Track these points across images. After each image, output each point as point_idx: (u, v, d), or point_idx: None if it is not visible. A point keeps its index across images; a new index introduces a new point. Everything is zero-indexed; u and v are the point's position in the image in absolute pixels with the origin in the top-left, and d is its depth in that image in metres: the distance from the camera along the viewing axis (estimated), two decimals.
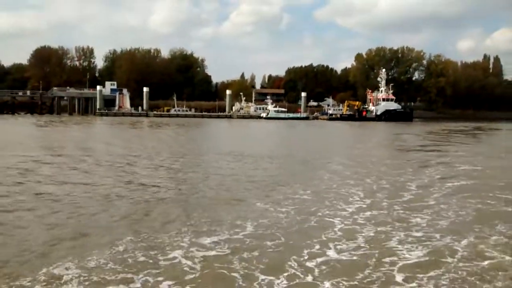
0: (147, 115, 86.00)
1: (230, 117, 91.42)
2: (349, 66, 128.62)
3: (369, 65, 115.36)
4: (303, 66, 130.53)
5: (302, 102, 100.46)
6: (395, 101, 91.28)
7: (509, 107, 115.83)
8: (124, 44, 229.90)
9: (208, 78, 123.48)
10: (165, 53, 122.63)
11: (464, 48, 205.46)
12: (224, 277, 6.35)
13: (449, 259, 7.10)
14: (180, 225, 8.85)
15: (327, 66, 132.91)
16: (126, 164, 18.04)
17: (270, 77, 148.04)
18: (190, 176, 15.43)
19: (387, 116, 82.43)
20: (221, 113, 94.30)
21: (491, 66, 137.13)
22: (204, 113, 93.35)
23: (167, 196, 11.69)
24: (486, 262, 6.98)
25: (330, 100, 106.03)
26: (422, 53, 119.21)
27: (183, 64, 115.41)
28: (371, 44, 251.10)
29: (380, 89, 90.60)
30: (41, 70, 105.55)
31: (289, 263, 6.80)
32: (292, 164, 19.21)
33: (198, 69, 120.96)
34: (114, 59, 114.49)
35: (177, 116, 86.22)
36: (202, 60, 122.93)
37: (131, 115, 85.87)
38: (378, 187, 13.46)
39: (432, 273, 6.51)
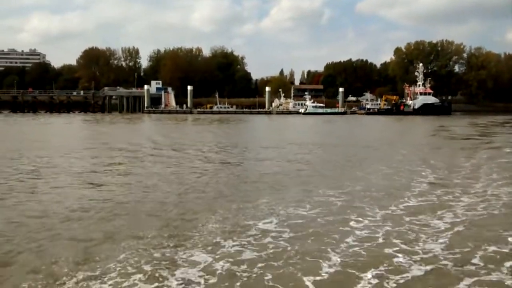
0: (191, 112, 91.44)
1: (270, 113, 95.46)
2: (389, 60, 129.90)
3: (408, 59, 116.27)
4: (342, 61, 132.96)
5: (340, 97, 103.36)
6: (435, 95, 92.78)
7: None
8: (166, 44, 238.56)
9: (248, 75, 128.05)
10: (206, 52, 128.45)
11: None
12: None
13: None
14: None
15: (366, 61, 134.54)
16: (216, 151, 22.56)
17: (309, 72, 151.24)
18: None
19: (425, 110, 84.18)
20: (261, 109, 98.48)
21: None
22: (244, 109, 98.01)
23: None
24: None
25: (368, 95, 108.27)
26: (462, 46, 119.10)
27: (223, 62, 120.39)
28: (415, 36, 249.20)
29: (418, 83, 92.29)
30: (90, 70, 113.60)
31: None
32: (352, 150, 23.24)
33: (238, 66, 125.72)
34: (158, 59, 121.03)
35: (219, 113, 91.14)
36: (242, 58, 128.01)
37: (177, 112, 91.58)
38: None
39: None
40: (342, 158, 20.57)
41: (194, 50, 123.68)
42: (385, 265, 6.88)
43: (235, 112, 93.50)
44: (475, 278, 6.36)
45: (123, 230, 8.68)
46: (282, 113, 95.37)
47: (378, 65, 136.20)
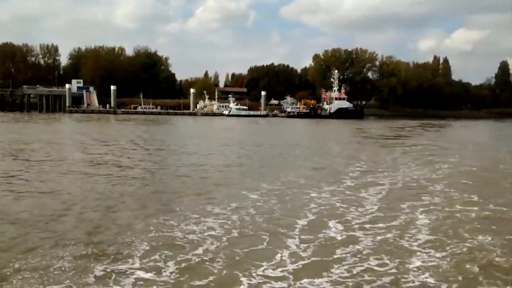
0: (115, 113, 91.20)
1: (195, 114, 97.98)
2: (309, 66, 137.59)
3: (326, 65, 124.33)
4: (265, 65, 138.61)
5: (262, 101, 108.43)
6: (350, 100, 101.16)
7: (456, 106, 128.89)
8: (88, 41, 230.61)
9: (172, 76, 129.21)
10: (129, 51, 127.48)
11: (425, 48, 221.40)
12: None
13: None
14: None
15: (288, 66, 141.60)
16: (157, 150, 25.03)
17: (233, 75, 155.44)
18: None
19: (340, 114, 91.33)
20: (186, 111, 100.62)
21: (440, 67, 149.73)
22: (169, 110, 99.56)
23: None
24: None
25: (289, 99, 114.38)
26: (375, 54, 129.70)
27: (147, 62, 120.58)
28: (336, 42, 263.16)
29: (334, 89, 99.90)
30: (5, 67, 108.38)
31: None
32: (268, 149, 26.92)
33: (163, 67, 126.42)
34: (78, 57, 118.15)
35: (144, 113, 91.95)
36: (166, 59, 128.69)
37: (100, 112, 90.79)
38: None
39: None
40: (290, 154, 24.31)
41: (116, 49, 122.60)
42: (341, 218, 10.44)
43: (159, 113, 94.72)
44: (395, 220, 10.12)
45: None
46: (207, 114, 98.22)
47: (299, 70, 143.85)
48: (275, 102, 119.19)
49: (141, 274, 6.86)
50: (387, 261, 7.58)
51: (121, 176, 15.29)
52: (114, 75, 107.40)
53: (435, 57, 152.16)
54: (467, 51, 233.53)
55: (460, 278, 6.93)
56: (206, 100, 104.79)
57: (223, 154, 23.60)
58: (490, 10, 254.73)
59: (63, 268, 6.96)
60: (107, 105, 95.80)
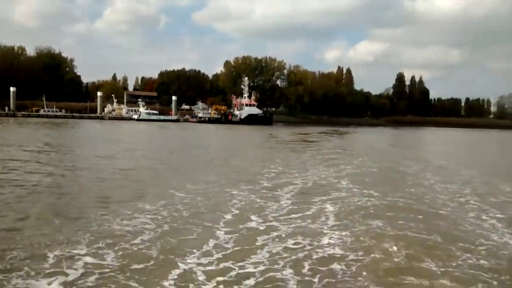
0: (14, 115, 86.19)
1: (102, 118, 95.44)
2: (220, 72, 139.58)
3: (237, 72, 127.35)
4: (176, 70, 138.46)
5: (173, 105, 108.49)
6: (260, 107, 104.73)
7: (358, 114, 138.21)
8: None
9: (78, 78, 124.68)
10: (30, 51, 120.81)
11: (331, 58, 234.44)
12: None
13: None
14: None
15: (199, 71, 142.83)
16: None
17: (143, 79, 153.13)
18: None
19: (250, 120, 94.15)
20: (92, 114, 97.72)
21: (344, 76, 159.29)
22: (75, 114, 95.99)
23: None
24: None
25: (200, 104, 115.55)
26: (283, 63, 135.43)
27: (50, 63, 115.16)
28: (248, 49, 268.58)
29: (244, 95, 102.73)
30: None
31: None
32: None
33: (67, 68, 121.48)
34: None
35: (47, 116, 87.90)
36: (72, 60, 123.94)
37: None
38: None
39: None
40: (207, 157, 25.38)
41: (16, 48, 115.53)
42: (261, 212, 11.80)
43: (64, 116, 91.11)
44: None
45: None
46: (115, 118, 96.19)
47: (211, 76, 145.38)
48: (186, 107, 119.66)
49: (88, 259, 7.64)
50: (302, 241, 9.03)
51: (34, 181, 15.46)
52: (13, 75, 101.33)
53: (339, 68, 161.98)
54: (370, 62, 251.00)
55: (359, 249, 8.60)
56: (114, 103, 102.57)
57: (144, 157, 24.21)
58: (390, 24, 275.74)
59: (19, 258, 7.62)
60: (6, 108, 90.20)
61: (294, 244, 8.85)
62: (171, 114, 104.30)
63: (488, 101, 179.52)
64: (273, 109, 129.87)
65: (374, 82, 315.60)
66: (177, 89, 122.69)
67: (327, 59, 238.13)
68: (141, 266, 7.50)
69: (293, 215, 11.28)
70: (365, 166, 22.45)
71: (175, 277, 7.05)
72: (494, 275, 7.48)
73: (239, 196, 13.47)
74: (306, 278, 7.23)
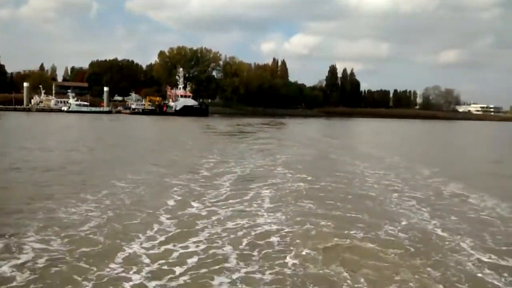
0: None
1: (29, 110, 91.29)
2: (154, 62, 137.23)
3: (171, 62, 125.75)
4: (108, 59, 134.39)
5: (105, 96, 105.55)
6: (195, 98, 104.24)
7: (292, 105, 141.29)
8: None
9: (1, 68, 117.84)
10: None
11: (267, 50, 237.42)
12: None
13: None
14: None
15: (133, 61, 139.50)
16: None
17: (73, 69, 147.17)
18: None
19: (185, 112, 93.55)
20: (18, 106, 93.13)
21: (279, 68, 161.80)
22: None
23: None
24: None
25: (134, 95, 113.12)
26: (219, 54, 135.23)
27: None
28: (184, 40, 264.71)
29: (179, 87, 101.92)
30: None
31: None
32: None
33: None
34: None
35: None
36: None
37: None
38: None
39: None
40: (146, 148, 25.55)
41: None
42: (201, 198, 12.49)
43: None
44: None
45: None
46: (43, 110, 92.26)
47: (145, 66, 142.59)
48: (119, 98, 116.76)
49: (37, 245, 7.99)
50: (240, 222, 9.88)
51: None
52: None
53: (274, 60, 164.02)
54: (304, 54, 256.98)
55: (293, 224, 9.67)
56: (42, 95, 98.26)
57: (79, 150, 23.91)
58: (323, 18, 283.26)
59: None
60: None
61: (233, 225, 9.66)
62: (103, 106, 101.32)
63: (415, 93, 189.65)
64: (209, 100, 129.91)
65: (308, 74, 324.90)
66: (109, 80, 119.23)
67: (263, 51, 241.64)
68: (88, 249, 7.95)
69: (231, 200, 12.06)
70: (299, 154, 23.72)
71: (121, 260, 7.53)
72: (410, 242, 8.77)
73: (179, 185, 14.03)
74: (245, 252, 8.07)
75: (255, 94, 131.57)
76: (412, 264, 7.57)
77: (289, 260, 7.71)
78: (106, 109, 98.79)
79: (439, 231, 9.62)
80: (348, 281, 6.85)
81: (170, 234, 9.02)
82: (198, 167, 18.06)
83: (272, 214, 10.64)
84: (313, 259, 7.75)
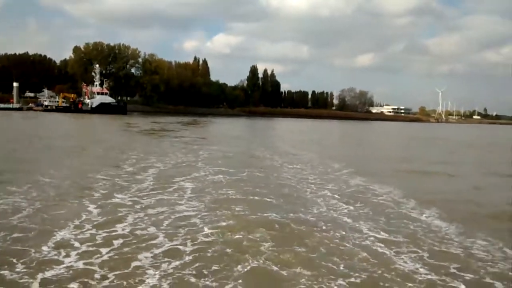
0: None
1: None
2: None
3: (88, 58, 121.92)
4: (18, 53, 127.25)
5: (15, 93, 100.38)
6: (114, 95, 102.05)
7: (214, 104, 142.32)
8: None
9: None
10: None
11: (190, 48, 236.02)
12: None
13: None
14: None
15: (45, 56, 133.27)
16: None
17: None
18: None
19: (102, 109, 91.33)
20: None
21: (200, 67, 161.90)
22: None
23: None
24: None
25: (47, 92, 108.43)
26: (137, 51, 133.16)
27: None
28: (102, 35, 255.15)
29: (95, 83, 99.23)
30: None
31: None
32: None
33: None
34: None
35: None
36: None
37: None
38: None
39: None
40: (65, 145, 25.34)
41: None
42: (126, 191, 13.16)
43: None
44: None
45: None
46: None
47: (59, 62, 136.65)
48: (31, 94, 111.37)
49: None
50: (162, 209, 10.83)
51: None
52: None
53: (195, 58, 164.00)
54: (226, 54, 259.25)
55: (212, 209, 10.86)
56: None
57: None
58: (246, 19, 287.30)
59: None
60: None
61: (155, 212, 10.62)
62: (12, 102, 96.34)
63: (331, 94, 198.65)
64: (128, 98, 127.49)
65: (231, 74, 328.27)
66: (20, 75, 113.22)
67: (185, 49, 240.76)
68: (21, 235, 8.56)
69: (154, 192, 12.93)
70: (220, 151, 24.84)
71: (53, 244, 8.17)
72: (320, 223, 10.26)
73: (103, 180, 14.60)
74: (170, 231, 9.13)
75: (176, 92, 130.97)
76: (319, 241, 8.96)
77: (206, 234, 8.95)
78: (16, 105, 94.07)
79: (345, 215, 11.21)
80: (256, 253, 8.11)
81: (97, 221, 9.71)
82: (121, 163, 18.57)
83: (193, 201, 11.74)
84: (228, 234, 9.01)
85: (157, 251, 7.94)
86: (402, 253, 8.39)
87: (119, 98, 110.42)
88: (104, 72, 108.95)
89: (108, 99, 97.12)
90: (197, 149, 26.05)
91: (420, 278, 7.20)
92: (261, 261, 7.69)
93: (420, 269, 7.59)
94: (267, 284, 6.99)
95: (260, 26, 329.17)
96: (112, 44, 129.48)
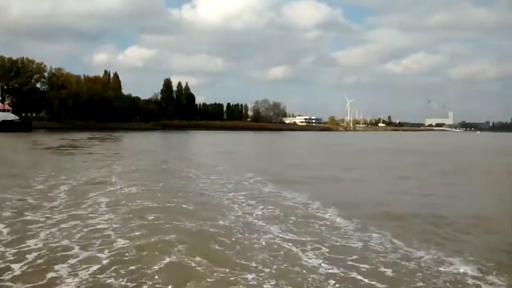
0: None
1: None
2: None
3: None
4: None
5: None
6: (17, 112, 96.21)
7: (126, 118, 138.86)
8: None
9: None
10: None
11: (100, 61, 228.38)
12: None
13: None
14: None
15: None
16: None
17: None
18: None
19: (4, 127, 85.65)
20: None
21: (111, 81, 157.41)
22: None
23: None
24: None
25: None
26: (43, 65, 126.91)
27: None
28: (5, 49, 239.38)
29: None
30: None
31: None
32: None
33: None
34: None
35: None
36: None
37: None
38: None
39: None
40: None
41: None
42: (37, 209, 12.96)
43: None
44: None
45: None
46: None
47: None
48: None
49: None
50: (75, 223, 10.93)
51: None
52: None
53: (106, 72, 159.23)
54: (139, 67, 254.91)
55: (126, 220, 10.98)
56: None
57: None
58: (158, 31, 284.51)
59: None
60: None
61: (69, 225, 10.69)
62: None
63: (246, 106, 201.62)
64: (33, 114, 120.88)
65: (144, 87, 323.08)
66: None
67: (96, 62, 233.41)
68: None
69: (67, 209, 12.80)
70: (134, 165, 24.79)
71: None
72: (234, 226, 11.01)
73: (12, 199, 14.13)
74: (85, 242, 9.31)
75: (86, 107, 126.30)
76: (234, 241, 9.69)
77: (123, 242, 9.30)
78: None
79: (258, 218, 12.10)
80: (172, 253, 8.60)
81: (6, 240, 9.52)
82: (30, 181, 18.01)
83: (107, 215, 11.87)
84: (144, 240, 9.47)
85: (73, 261, 8.12)
86: (307, 250, 9.21)
87: (23, 114, 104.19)
88: (5, 87, 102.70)
89: (10, 116, 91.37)
90: (110, 164, 25.76)
91: (321, 271, 8.00)
92: (177, 260, 8.28)
93: (322, 264, 8.41)
94: (183, 278, 7.48)
95: (174, 39, 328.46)
96: (14, 58, 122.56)
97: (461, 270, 8.14)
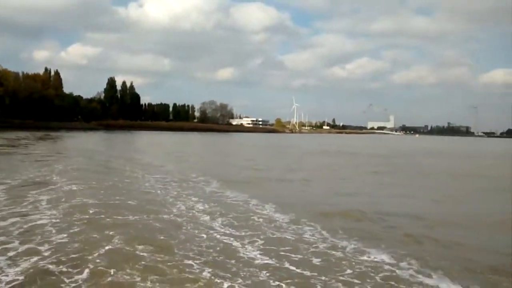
0: None
1: None
2: None
3: None
4: None
5: None
6: None
7: (67, 118, 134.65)
8: None
9: None
10: None
11: (41, 58, 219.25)
12: None
13: None
14: None
15: None
16: None
17: None
18: None
19: None
20: None
21: (52, 79, 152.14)
22: None
23: None
24: None
25: None
26: None
27: None
28: None
29: None
30: None
31: None
32: None
33: None
34: None
35: None
36: None
37: None
38: None
39: None
40: None
41: None
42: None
43: None
44: None
45: None
46: None
47: None
48: None
49: None
50: (15, 220, 10.96)
51: None
52: None
53: (46, 69, 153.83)
54: (83, 65, 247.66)
55: (66, 214, 11.12)
56: None
57: None
58: (103, 29, 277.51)
59: None
60: None
61: (7, 223, 10.69)
62: None
63: (193, 107, 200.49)
64: None
65: (87, 86, 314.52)
66: None
67: (36, 59, 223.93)
68: None
69: (5, 207, 12.62)
70: (77, 164, 24.61)
71: None
72: (178, 219, 11.54)
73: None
74: (24, 238, 9.43)
75: (24, 105, 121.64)
76: (177, 232, 10.26)
77: (64, 236, 9.59)
78: None
79: (201, 212, 12.77)
80: (116, 242, 8.94)
81: None
82: None
83: (48, 211, 11.97)
84: (87, 232, 9.83)
85: (12, 253, 8.30)
86: (245, 243, 9.80)
87: None
88: None
89: None
90: (51, 163, 25.30)
91: (257, 262, 8.58)
92: (120, 246, 8.75)
93: (258, 255, 9.00)
94: (125, 262, 7.96)
95: (120, 37, 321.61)
96: None
97: (379, 259, 9.01)
